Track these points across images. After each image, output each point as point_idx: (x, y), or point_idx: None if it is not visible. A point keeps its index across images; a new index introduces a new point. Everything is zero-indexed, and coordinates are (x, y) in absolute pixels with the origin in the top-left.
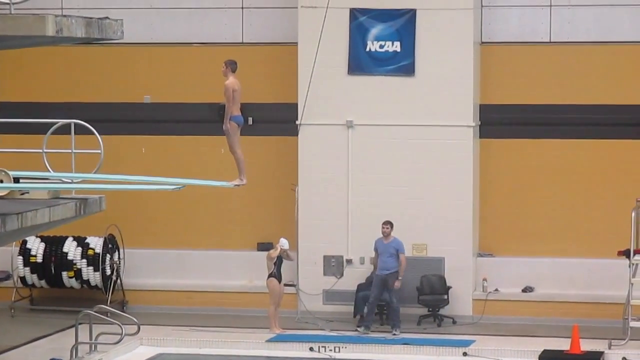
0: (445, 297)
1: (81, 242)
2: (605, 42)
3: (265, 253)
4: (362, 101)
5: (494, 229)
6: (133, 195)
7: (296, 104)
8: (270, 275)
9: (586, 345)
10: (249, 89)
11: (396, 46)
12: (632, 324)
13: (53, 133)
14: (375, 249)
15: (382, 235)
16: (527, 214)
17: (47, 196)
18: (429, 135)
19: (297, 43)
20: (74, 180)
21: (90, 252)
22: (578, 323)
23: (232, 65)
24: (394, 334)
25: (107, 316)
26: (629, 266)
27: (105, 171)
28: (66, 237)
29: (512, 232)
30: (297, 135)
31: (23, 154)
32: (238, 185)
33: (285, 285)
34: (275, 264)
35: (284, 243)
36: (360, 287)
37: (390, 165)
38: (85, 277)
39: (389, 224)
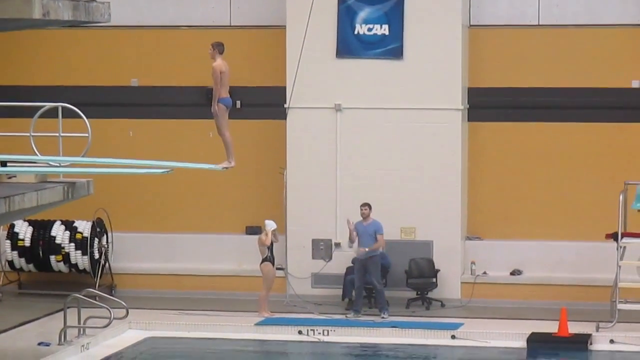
0: (434, 280)
1: (69, 225)
2: (593, 25)
3: (254, 237)
4: (350, 84)
5: (482, 212)
6: (121, 179)
7: (284, 88)
8: (264, 260)
9: (574, 328)
10: (237, 72)
11: (384, 29)
12: (620, 306)
13: (40, 116)
14: (355, 230)
15: (361, 218)
16: (516, 197)
17: (35, 180)
18: (417, 118)
19: (285, 26)
20: (62, 164)
21: (78, 236)
22: (566, 306)
23: (219, 47)
24: (383, 317)
25: (95, 300)
26: (617, 249)
27: (93, 155)
28: (54, 221)
29: (501, 215)
30: (285, 118)
31: (10, 137)
32: (227, 168)
33: (277, 269)
34: (268, 247)
35: (271, 224)
36: (348, 271)
37: (378, 148)
38: (73, 261)
39: (367, 205)
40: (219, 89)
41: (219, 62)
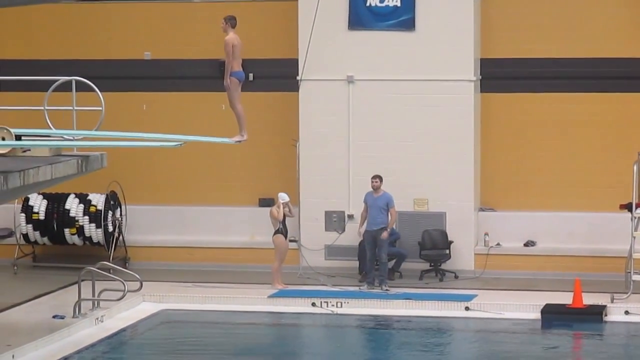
0: (447, 251)
1: (83, 199)
2: None
3: (267, 209)
4: (362, 56)
5: (495, 183)
6: (134, 152)
7: (297, 60)
8: (276, 232)
9: (588, 299)
10: (250, 45)
11: (396, 1)
12: (635, 277)
13: (54, 90)
14: (365, 202)
15: (372, 190)
16: (529, 168)
17: (49, 153)
18: (429, 90)
19: None
20: (76, 138)
21: (92, 209)
22: (580, 277)
23: (231, 21)
24: (386, 290)
25: (109, 273)
26: (631, 219)
27: (106, 128)
28: (68, 194)
29: (514, 186)
30: (297, 90)
31: (24, 111)
32: (239, 141)
33: (290, 241)
34: (280, 219)
35: (283, 197)
36: (362, 243)
37: (391, 120)
38: (87, 233)
39: (378, 177)
40: (231, 62)
41: (231, 36)
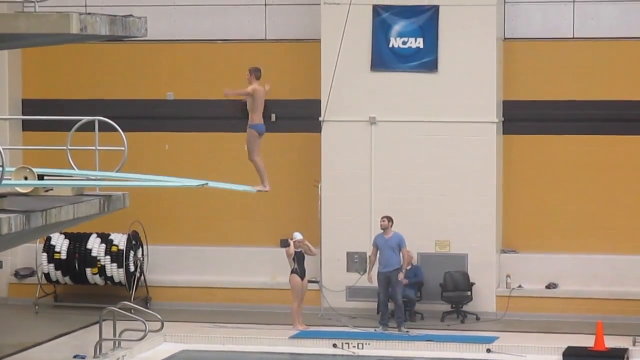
0: (469, 293)
1: (105, 238)
2: (628, 37)
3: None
4: (385, 98)
5: (517, 225)
6: (156, 191)
7: (319, 101)
8: (291, 272)
9: (610, 342)
10: (272, 86)
11: (419, 42)
12: None
13: (77, 130)
14: (375, 245)
15: (381, 231)
16: (551, 210)
17: (71, 193)
18: (452, 131)
19: (320, 40)
20: (98, 178)
21: (114, 248)
22: (602, 319)
23: (255, 73)
24: (406, 331)
25: (130, 313)
26: None
27: (129, 168)
28: (90, 234)
29: (536, 228)
30: (320, 131)
31: (47, 151)
32: (261, 191)
33: (309, 281)
34: (294, 259)
35: (295, 235)
36: None
37: (413, 161)
38: (109, 273)
39: (386, 218)
40: (252, 111)
41: (255, 87)
